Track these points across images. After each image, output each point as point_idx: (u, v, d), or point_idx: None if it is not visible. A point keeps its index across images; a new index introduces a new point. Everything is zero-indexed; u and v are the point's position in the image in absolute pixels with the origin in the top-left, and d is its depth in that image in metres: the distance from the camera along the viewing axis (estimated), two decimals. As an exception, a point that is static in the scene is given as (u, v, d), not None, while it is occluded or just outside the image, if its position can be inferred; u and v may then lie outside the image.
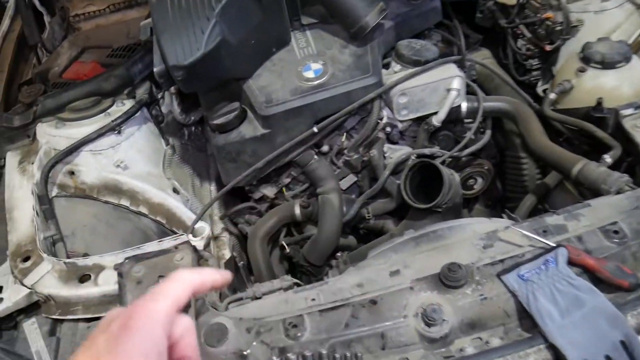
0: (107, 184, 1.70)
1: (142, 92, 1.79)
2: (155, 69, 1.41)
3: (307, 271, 1.71)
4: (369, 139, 1.61)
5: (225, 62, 1.43)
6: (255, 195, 1.75)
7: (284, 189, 1.74)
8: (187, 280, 0.58)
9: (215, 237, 1.87)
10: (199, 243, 1.51)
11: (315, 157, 1.63)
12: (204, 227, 1.54)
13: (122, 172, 1.72)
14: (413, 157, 1.61)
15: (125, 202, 1.71)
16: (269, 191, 1.73)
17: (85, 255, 1.56)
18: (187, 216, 1.78)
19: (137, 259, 1.28)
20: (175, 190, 1.82)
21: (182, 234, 1.41)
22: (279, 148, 1.55)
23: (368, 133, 1.58)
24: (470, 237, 1.26)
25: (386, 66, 1.67)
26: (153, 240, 1.70)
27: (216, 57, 1.38)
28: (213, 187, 1.99)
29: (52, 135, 1.65)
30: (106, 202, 1.70)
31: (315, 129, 1.53)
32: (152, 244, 1.41)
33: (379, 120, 1.58)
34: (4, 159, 1.73)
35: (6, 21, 2.14)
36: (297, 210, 1.68)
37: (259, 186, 1.72)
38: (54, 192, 1.66)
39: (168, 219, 1.77)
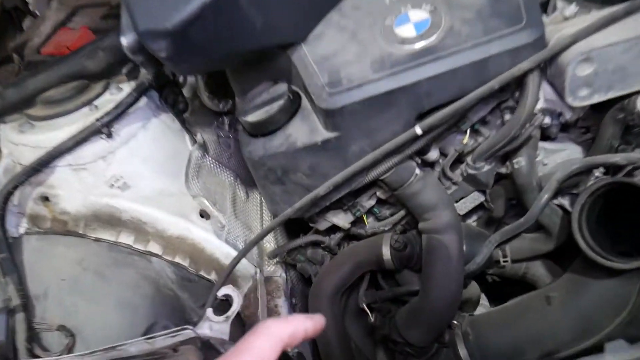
0: (99, 213, 1.13)
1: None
2: (123, 41, 0.79)
3: (403, 350, 1.07)
4: (516, 141, 0.91)
5: (250, 17, 0.78)
6: (320, 225, 1.12)
7: (364, 216, 1.10)
8: (275, 334, 0.48)
9: (266, 278, 1.29)
10: (221, 327, 0.91)
11: (418, 171, 0.96)
12: (232, 295, 0.94)
13: (121, 193, 1.14)
14: (598, 174, 0.89)
15: (126, 239, 1.15)
16: (342, 219, 1.10)
17: (61, 328, 1.02)
18: (222, 252, 1.20)
19: (114, 368, 0.72)
20: (203, 215, 1.22)
21: (189, 328, 0.81)
22: (355, 163, 0.90)
23: (514, 132, 0.89)
24: None
25: (545, 6, 0.95)
26: (170, 296, 1.15)
27: (230, 10, 0.73)
28: (265, 198, 1.38)
29: (15, 144, 1.09)
30: (97, 240, 1.13)
31: (418, 130, 0.86)
32: (138, 343, 0.82)
33: (534, 112, 0.88)
34: (-36, 175, 1.21)
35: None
36: (387, 254, 1.03)
37: (326, 213, 1.09)
38: (23, 227, 1.12)
39: (193, 259, 1.20)
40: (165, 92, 1.24)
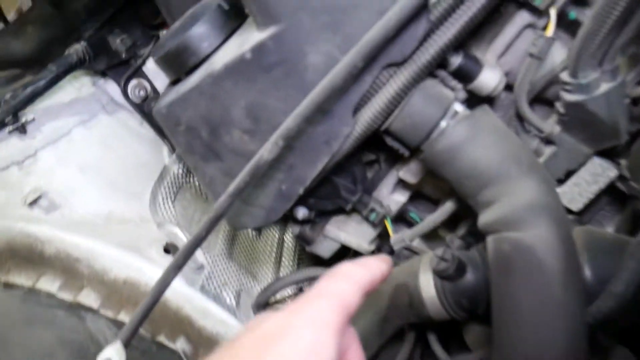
0: (13, 244, 0.78)
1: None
2: None
3: None
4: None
5: None
6: (320, 248, 0.66)
7: (387, 222, 0.62)
8: (356, 278, 0.38)
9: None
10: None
11: (458, 107, 0.49)
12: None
13: (44, 216, 0.79)
14: None
15: (49, 284, 0.77)
16: (354, 235, 0.63)
17: None
18: (195, 306, 0.80)
19: None
20: (169, 250, 0.83)
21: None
22: (319, 83, 0.46)
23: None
24: None
25: None
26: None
27: None
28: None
29: None
30: (8, 287, 0.78)
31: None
32: None
33: None
34: None
35: None
36: (429, 288, 0.54)
37: (325, 223, 0.64)
38: None
39: (149, 316, 0.78)
40: (129, 84, 0.91)
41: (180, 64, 0.56)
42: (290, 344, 0.33)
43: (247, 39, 0.49)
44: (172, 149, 0.94)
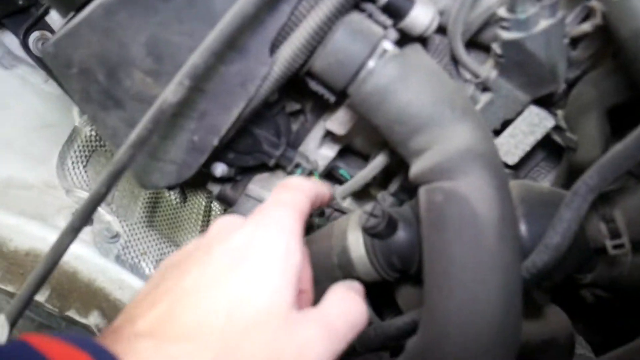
0: None
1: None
2: None
3: None
4: None
5: None
6: (239, 207, 0.60)
7: (315, 176, 0.57)
8: (306, 189, 0.41)
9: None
10: None
11: (387, 45, 0.44)
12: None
13: None
14: None
15: None
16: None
17: None
18: (109, 278, 0.73)
19: None
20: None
21: None
22: (229, 12, 0.40)
23: None
24: None
25: None
26: None
27: None
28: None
29: None
30: None
31: None
32: None
33: None
34: None
35: None
36: (358, 247, 0.50)
37: (247, 180, 0.58)
38: None
39: (58, 289, 0.72)
40: (30, 35, 0.81)
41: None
42: (265, 252, 0.35)
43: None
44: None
